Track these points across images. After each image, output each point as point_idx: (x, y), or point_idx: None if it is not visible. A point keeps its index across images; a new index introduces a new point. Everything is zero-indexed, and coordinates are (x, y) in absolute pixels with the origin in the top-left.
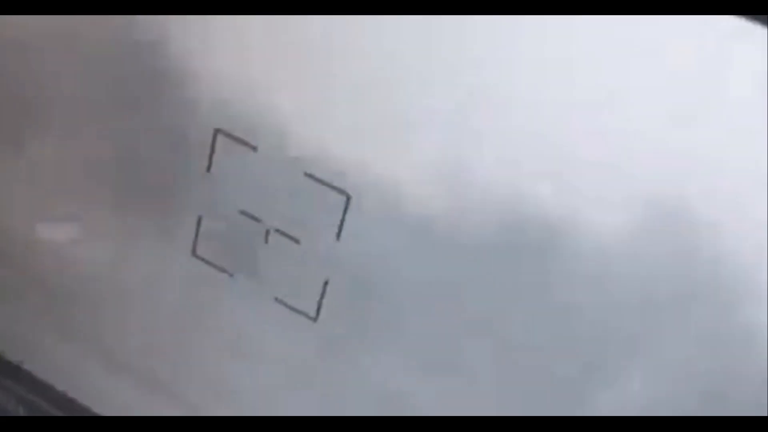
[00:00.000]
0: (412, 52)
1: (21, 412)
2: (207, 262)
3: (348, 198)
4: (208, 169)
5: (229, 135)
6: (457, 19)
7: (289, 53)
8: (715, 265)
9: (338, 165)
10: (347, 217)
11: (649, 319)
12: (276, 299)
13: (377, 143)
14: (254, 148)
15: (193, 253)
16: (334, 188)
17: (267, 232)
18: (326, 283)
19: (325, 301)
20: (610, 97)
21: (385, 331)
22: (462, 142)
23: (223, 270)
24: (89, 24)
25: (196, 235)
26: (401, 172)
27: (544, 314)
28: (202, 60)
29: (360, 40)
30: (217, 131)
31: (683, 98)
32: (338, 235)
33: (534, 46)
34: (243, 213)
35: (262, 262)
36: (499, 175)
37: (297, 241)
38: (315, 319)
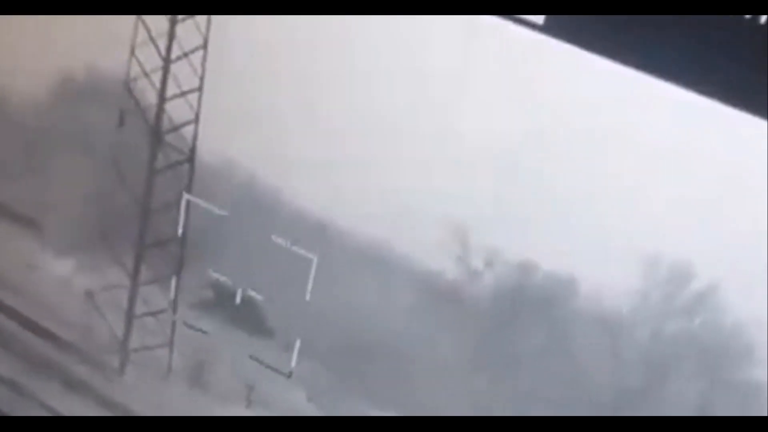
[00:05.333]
0: (401, 130)
1: None
2: (184, 322)
3: (315, 259)
4: (181, 233)
5: (199, 201)
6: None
7: (260, 124)
8: (715, 324)
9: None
10: (315, 277)
11: (652, 376)
12: (251, 356)
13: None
14: (224, 214)
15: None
16: (302, 251)
17: (238, 293)
18: (298, 340)
19: (298, 357)
20: (609, 162)
21: (360, 384)
22: (466, 209)
23: (198, 329)
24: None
25: (174, 296)
26: (406, 246)
27: (547, 372)
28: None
29: (333, 109)
30: (187, 198)
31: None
32: (307, 295)
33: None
34: (215, 275)
35: (235, 322)
36: (503, 240)
37: (268, 301)
38: (289, 376)
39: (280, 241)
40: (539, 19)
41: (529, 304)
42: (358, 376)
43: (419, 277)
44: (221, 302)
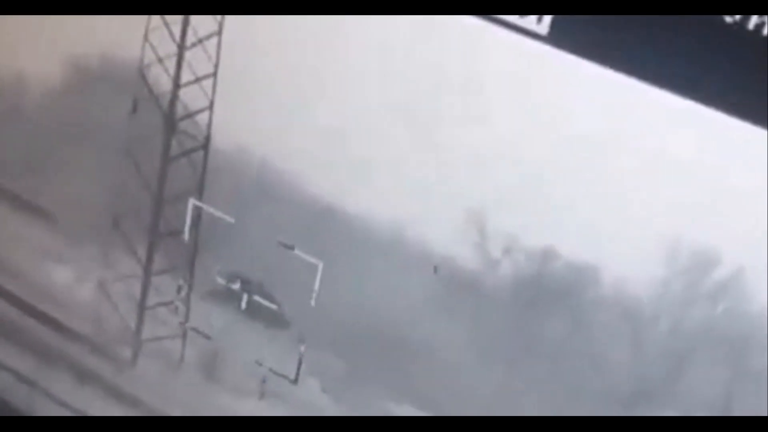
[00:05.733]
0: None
1: None
2: (191, 327)
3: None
4: (186, 238)
5: (204, 206)
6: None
7: (273, 111)
8: (739, 312)
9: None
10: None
11: (672, 367)
12: (256, 362)
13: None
14: (230, 219)
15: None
16: (307, 255)
17: (244, 298)
18: (304, 346)
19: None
20: (628, 147)
21: (375, 374)
22: (485, 195)
23: (204, 334)
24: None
25: (187, 298)
26: (427, 231)
27: (567, 362)
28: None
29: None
30: (192, 202)
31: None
32: (314, 299)
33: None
34: (220, 279)
35: (240, 327)
36: (522, 227)
37: (274, 306)
38: (295, 382)
39: (292, 231)
40: (543, 29)
41: (549, 293)
42: (373, 367)
43: (436, 264)
44: (233, 294)
